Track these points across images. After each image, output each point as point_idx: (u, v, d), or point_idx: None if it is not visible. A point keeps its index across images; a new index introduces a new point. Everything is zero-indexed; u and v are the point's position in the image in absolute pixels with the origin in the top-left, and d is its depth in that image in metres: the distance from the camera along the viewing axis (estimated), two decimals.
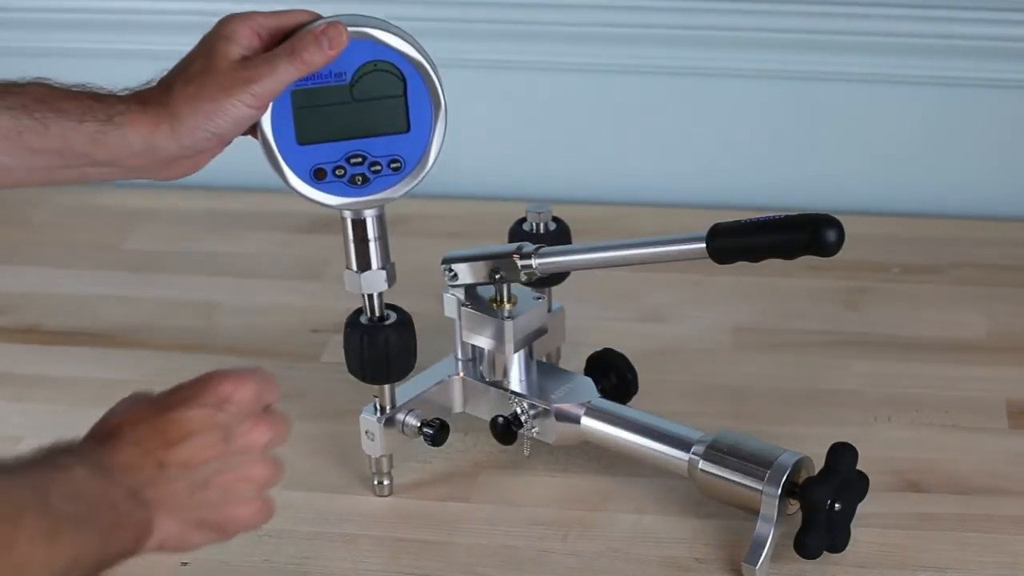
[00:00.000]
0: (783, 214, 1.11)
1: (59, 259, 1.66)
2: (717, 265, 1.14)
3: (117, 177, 1.12)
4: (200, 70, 1.08)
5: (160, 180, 1.13)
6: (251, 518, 0.99)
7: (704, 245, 1.13)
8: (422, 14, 1.68)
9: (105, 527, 0.89)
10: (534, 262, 1.22)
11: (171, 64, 1.12)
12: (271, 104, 1.10)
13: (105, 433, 0.93)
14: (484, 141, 1.34)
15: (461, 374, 1.30)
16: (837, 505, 1.15)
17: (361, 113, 1.12)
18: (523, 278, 1.23)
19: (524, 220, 1.31)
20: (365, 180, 1.14)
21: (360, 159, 1.13)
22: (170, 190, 1.69)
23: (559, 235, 1.30)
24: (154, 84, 1.10)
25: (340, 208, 1.16)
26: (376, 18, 1.12)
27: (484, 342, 1.27)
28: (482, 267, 1.25)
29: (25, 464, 0.87)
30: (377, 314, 1.20)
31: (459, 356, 1.30)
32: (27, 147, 1.08)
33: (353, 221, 1.17)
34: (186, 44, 1.14)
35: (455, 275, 1.27)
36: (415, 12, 1.68)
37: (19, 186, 1.12)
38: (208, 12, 1.44)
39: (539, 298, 1.28)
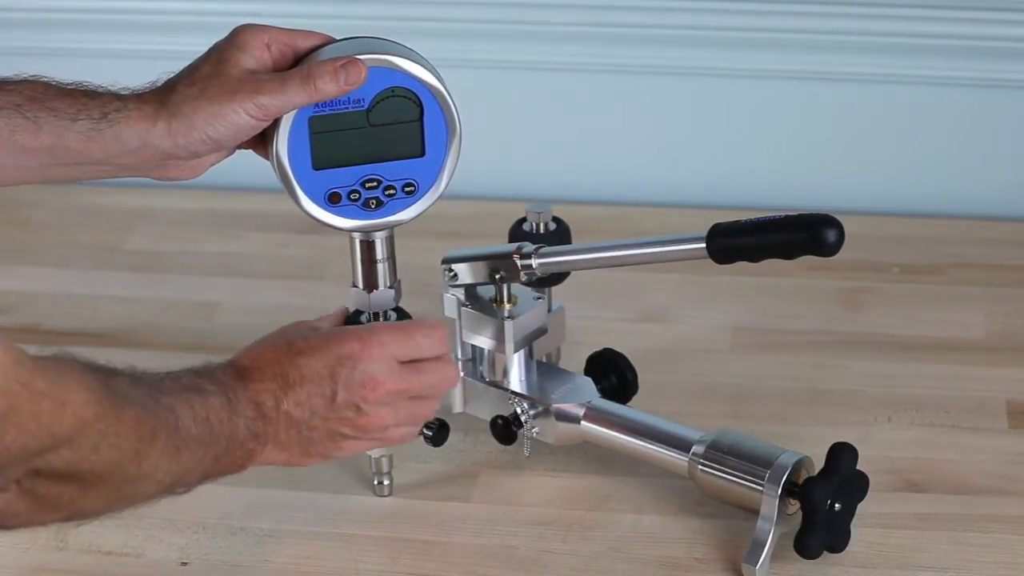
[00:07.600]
0: (783, 214, 1.11)
1: (59, 259, 1.66)
2: (717, 265, 1.14)
3: (111, 175, 1.12)
4: (208, 74, 1.08)
5: (157, 179, 1.13)
6: (356, 450, 1.12)
7: (704, 245, 1.13)
8: (423, 14, 1.67)
9: (220, 451, 1.02)
10: (534, 262, 1.22)
11: (171, 64, 1.12)
12: (288, 129, 1.10)
13: (243, 367, 1.06)
14: (484, 141, 1.33)
15: (461, 374, 1.30)
16: (837, 505, 1.15)
17: (377, 138, 1.12)
18: (523, 278, 1.23)
19: (524, 220, 1.31)
20: (379, 203, 1.14)
21: (375, 183, 1.13)
22: (170, 190, 1.69)
23: (559, 235, 1.30)
24: (159, 84, 1.10)
25: (352, 231, 1.16)
26: (394, 43, 1.12)
27: (484, 342, 1.27)
28: (482, 267, 1.25)
29: (172, 381, 1.00)
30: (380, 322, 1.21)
31: (459, 356, 1.30)
32: (20, 146, 1.07)
33: (362, 242, 1.17)
34: (186, 44, 1.14)
35: (455, 275, 1.27)
36: (416, 12, 1.68)
37: (11, 184, 1.11)
38: (207, 12, 1.46)
39: (539, 298, 1.28)
